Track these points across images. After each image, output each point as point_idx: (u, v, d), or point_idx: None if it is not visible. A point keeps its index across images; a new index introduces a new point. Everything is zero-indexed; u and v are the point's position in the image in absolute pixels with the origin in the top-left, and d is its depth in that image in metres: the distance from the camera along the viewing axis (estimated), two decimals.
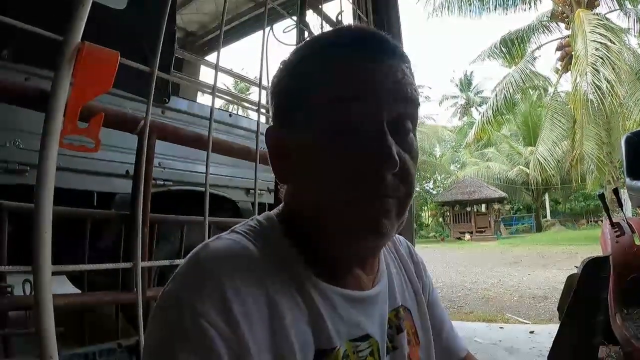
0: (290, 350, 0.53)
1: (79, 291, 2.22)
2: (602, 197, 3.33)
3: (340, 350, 0.58)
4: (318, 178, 0.59)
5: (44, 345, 1.15)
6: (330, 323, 0.58)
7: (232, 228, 0.64)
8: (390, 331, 0.69)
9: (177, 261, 1.68)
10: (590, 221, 29.80)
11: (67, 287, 2.98)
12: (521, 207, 33.55)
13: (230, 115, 3.70)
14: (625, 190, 3.60)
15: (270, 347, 0.51)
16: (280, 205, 0.70)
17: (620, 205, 3.45)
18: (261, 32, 2.48)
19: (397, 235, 0.86)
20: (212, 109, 1.73)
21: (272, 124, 0.69)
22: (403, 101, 0.61)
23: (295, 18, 2.60)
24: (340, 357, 0.58)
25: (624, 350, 2.43)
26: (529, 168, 21.69)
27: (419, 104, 0.64)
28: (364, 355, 0.62)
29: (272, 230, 0.64)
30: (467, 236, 25.87)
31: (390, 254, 0.81)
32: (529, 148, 25.94)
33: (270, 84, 0.70)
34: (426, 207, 35.60)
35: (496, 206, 28.88)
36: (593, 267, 2.26)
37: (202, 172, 3.00)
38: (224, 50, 6.04)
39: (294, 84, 0.64)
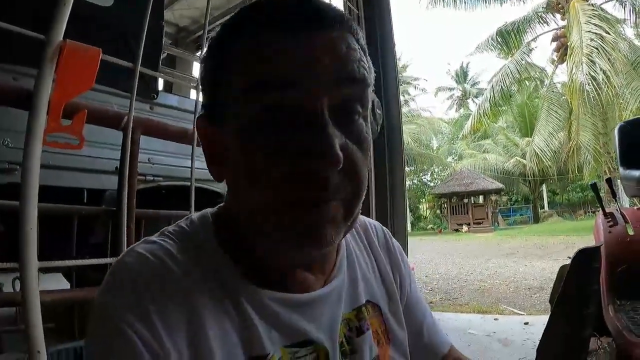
0: (211, 358, 0.50)
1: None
2: (594, 187, 3.32)
3: (275, 357, 0.54)
4: (249, 179, 0.51)
5: (32, 340, 1.16)
6: (262, 329, 0.54)
7: (162, 230, 0.59)
8: (349, 333, 0.64)
9: None
10: (588, 212, 29.85)
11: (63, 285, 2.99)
12: (519, 198, 33.58)
13: None
14: (620, 180, 3.61)
15: (190, 353, 0.49)
16: (222, 204, 0.64)
17: (614, 195, 3.44)
18: None
19: (372, 221, 0.81)
20: (196, 102, 1.74)
21: (201, 112, 0.60)
22: (348, 81, 0.51)
23: None
24: None
25: (617, 342, 2.42)
26: (525, 159, 21.74)
27: (370, 83, 0.54)
28: None
29: (203, 232, 0.59)
30: (465, 228, 25.91)
31: (358, 243, 0.75)
32: (526, 139, 25.95)
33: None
34: (424, 200, 35.64)
35: (493, 197, 28.90)
36: (584, 258, 2.25)
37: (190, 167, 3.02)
38: None
39: (216, 69, 0.55)
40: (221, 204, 0.64)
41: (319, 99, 0.49)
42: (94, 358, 0.49)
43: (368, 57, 0.57)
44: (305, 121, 0.49)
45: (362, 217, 0.74)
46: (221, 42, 0.55)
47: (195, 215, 0.63)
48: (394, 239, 0.82)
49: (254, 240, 0.57)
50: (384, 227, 0.83)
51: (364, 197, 0.56)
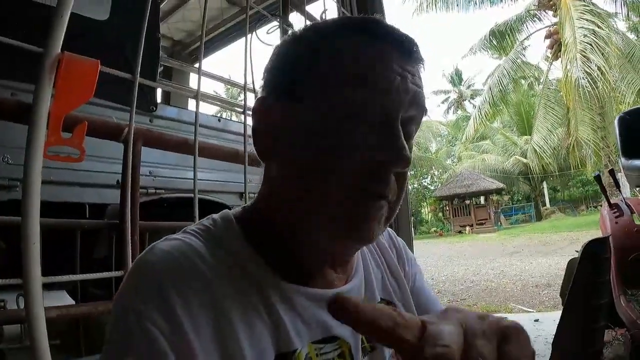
0: (241, 355, 0.49)
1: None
2: (598, 178, 3.31)
3: (302, 353, 0.55)
4: (314, 162, 0.54)
5: (38, 357, 1.14)
6: (290, 324, 0.55)
7: (184, 228, 0.60)
8: None
9: None
10: (590, 206, 29.87)
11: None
12: (520, 197, 33.59)
13: (219, 120, 3.69)
14: (622, 172, 3.60)
15: (218, 350, 0.49)
16: (248, 203, 0.67)
17: (618, 186, 3.43)
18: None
19: None
20: (197, 113, 1.72)
21: (263, 94, 0.63)
22: (416, 105, 0.58)
23: (279, 19, 2.60)
24: None
25: (631, 332, 2.41)
26: (525, 158, 21.76)
27: (426, 112, 0.62)
28: (331, 357, 0.58)
29: (226, 229, 0.60)
30: (468, 229, 25.88)
31: (369, 247, 0.77)
32: (524, 138, 26.02)
33: (272, 55, 0.65)
34: (425, 203, 35.62)
35: (495, 197, 28.94)
36: (593, 249, 2.24)
37: (192, 179, 3.00)
38: (212, 57, 6.04)
39: (310, 57, 0.58)
40: (245, 204, 0.67)
41: (398, 108, 0.56)
42: (114, 358, 0.48)
43: None
44: (384, 124, 0.55)
45: None
46: (327, 34, 0.60)
47: (215, 215, 0.63)
48: (397, 235, 0.86)
49: (293, 232, 0.59)
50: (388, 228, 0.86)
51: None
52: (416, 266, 0.85)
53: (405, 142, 0.54)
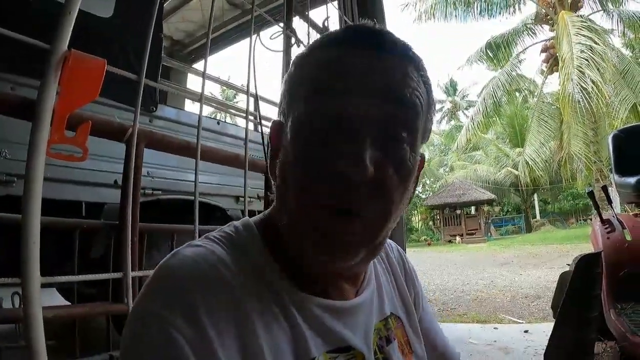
0: None
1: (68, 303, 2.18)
2: (591, 194, 3.36)
3: None
4: (285, 180, 0.55)
5: (34, 358, 1.13)
6: (308, 334, 0.55)
7: (206, 235, 0.60)
8: (379, 342, 0.66)
9: None
10: (580, 220, 30.09)
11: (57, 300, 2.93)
12: (510, 208, 33.74)
13: (218, 123, 3.68)
14: (614, 187, 3.64)
15: (240, 356, 0.48)
16: (267, 211, 0.66)
17: (610, 202, 3.47)
18: (247, 39, 2.48)
19: (388, 240, 0.85)
20: (200, 116, 1.72)
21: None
22: (394, 103, 0.53)
23: (282, 24, 2.60)
24: None
25: (620, 344, 2.44)
26: (517, 169, 21.89)
27: (420, 111, 0.56)
28: None
29: (248, 237, 0.60)
30: (458, 239, 25.94)
31: (380, 261, 0.78)
32: (516, 149, 26.17)
33: None
34: (416, 212, 35.69)
35: (485, 208, 29.04)
36: (585, 264, 2.27)
37: (191, 181, 2.98)
38: (211, 59, 6.03)
39: (291, 79, 0.60)
40: (266, 211, 0.66)
41: (361, 109, 0.51)
42: (134, 357, 0.47)
43: (431, 96, 0.60)
44: (341, 128, 0.51)
45: None
46: (304, 53, 0.61)
47: (236, 222, 0.64)
48: (408, 258, 0.87)
49: (290, 242, 0.58)
50: (399, 247, 0.87)
51: (391, 223, 0.56)
52: (422, 289, 0.87)
53: (363, 147, 0.50)
